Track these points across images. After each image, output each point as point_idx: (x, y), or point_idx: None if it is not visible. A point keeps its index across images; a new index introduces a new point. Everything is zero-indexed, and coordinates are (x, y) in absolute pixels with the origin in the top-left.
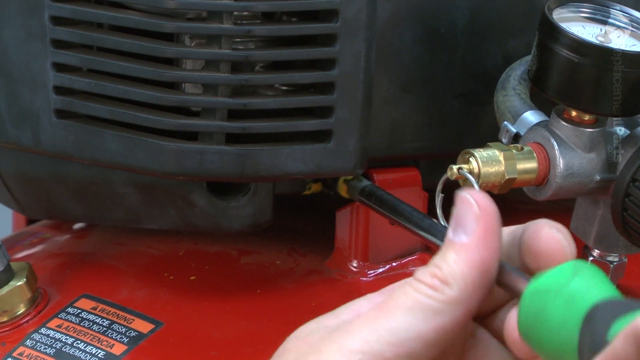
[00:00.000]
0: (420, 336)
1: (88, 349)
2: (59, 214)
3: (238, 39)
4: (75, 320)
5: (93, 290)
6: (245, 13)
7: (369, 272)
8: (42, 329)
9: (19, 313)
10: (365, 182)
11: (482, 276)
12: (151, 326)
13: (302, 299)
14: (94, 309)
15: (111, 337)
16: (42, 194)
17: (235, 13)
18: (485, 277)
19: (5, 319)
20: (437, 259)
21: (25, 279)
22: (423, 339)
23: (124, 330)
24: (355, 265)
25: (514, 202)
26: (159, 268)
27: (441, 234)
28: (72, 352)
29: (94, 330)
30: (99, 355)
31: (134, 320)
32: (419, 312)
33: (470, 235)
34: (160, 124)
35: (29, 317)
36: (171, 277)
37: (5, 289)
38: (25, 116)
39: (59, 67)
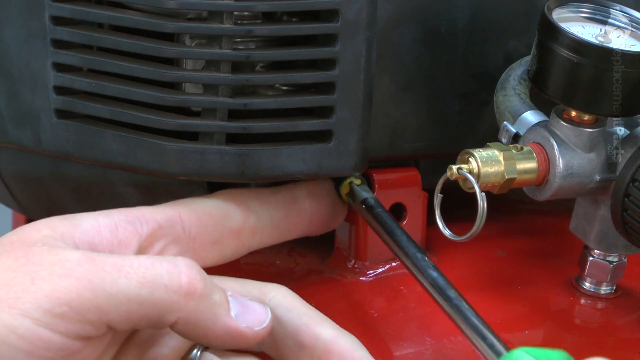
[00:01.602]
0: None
1: None
2: (59, 214)
3: (238, 39)
4: None
5: None
6: (246, 13)
7: (368, 272)
8: None
9: None
10: (368, 195)
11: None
12: None
13: (302, 299)
14: None
15: None
16: (42, 194)
17: (235, 13)
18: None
19: None
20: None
21: None
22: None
23: None
24: (354, 265)
25: (514, 202)
26: None
27: (429, 272)
28: None
29: None
30: None
31: None
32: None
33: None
34: (161, 124)
35: None
36: None
37: None
38: (25, 116)
39: (60, 67)
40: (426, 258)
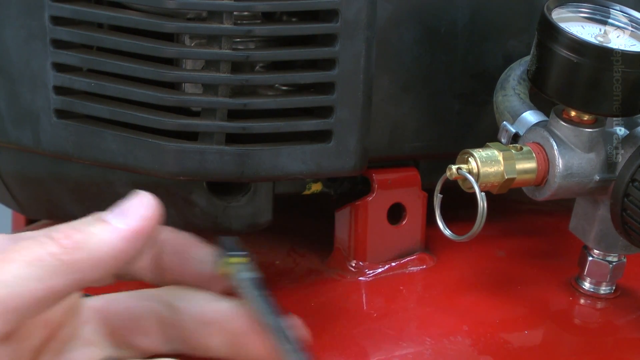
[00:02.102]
0: (30, 294)
1: None
2: (59, 214)
3: (238, 39)
4: None
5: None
6: (245, 13)
7: (368, 272)
8: None
9: None
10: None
11: (116, 259)
12: None
13: (302, 299)
14: None
15: None
16: (42, 194)
17: (235, 13)
18: (118, 261)
19: None
20: (80, 224)
21: None
22: (33, 297)
23: None
24: (354, 265)
25: (513, 202)
26: None
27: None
28: None
29: None
30: None
31: None
32: (37, 268)
33: (125, 224)
34: (161, 124)
35: None
36: None
37: None
38: (25, 116)
39: (59, 67)
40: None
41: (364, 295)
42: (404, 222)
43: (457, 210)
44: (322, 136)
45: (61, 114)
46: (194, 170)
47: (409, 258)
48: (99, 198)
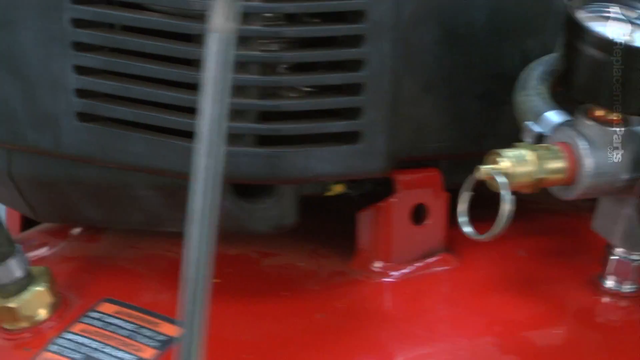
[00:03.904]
0: None
1: (116, 353)
2: (74, 217)
3: (265, 41)
4: (100, 325)
5: (113, 294)
6: (270, 15)
7: (392, 273)
8: (66, 334)
9: (39, 318)
10: None
11: None
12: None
13: (328, 301)
14: (118, 313)
15: (139, 341)
16: (56, 198)
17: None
18: None
19: (26, 324)
20: None
21: (46, 284)
22: None
23: (151, 334)
24: (378, 266)
25: (528, 202)
26: (179, 271)
27: None
28: (100, 357)
29: (120, 335)
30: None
31: (160, 323)
32: None
33: None
34: (191, 126)
35: (50, 322)
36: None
37: (26, 294)
38: (44, 119)
39: (81, 70)
40: None
41: (390, 296)
42: (426, 223)
43: (477, 210)
44: (350, 137)
45: (83, 116)
46: (225, 173)
47: (433, 259)
48: (117, 201)
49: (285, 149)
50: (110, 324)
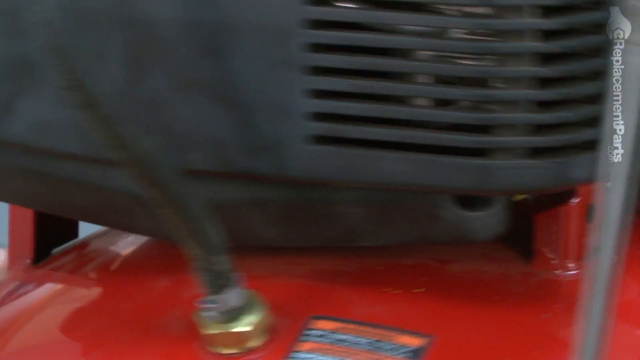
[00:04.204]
0: None
1: None
2: (245, 239)
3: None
4: (328, 341)
5: (319, 311)
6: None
7: (575, 271)
8: (297, 354)
9: (257, 341)
10: None
11: None
12: (422, 340)
13: (541, 301)
14: (341, 329)
15: (386, 354)
16: (230, 221)
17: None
18: None
19: (245, 347)
20: None
21: (261, 306)
22: None
23: (393, 346)
24: (560, 264)
25: None
26: (374, 282)
27: None
28: None
29: (359, 349)
30: None
31: (394, 336)
32: None
33: None
34: (461, 142)
35: (267, 345)
36: (396, 291)
37: (247, 317)
38: (263, 144)
39: (317, 94)
40: None
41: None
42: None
43: None
44: (592, 145)
45: (320, 140)
46: (504, 185)
47: None
48: (306, 220)
49: (566, 159)
50: (340, 340)
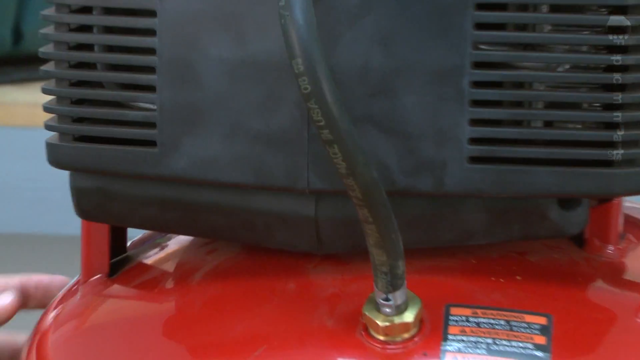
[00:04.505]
0: None
1: (513, 343)
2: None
3: None
4: (471, 325)
5: (450, 300)
6: None
7: (615, 253)
8: (450, 337)
9: (415, 330)
10: None
11: None
12: (544, 318)
13: (607, 279)
14: (476, 313)
15: (522, 332)
16: (353, 232)
17: None
18: None
19: (405, 335)
20: None
21: (417, 299)
22: None
23: (524, 324)
24: (610, 249)
25: None
26: (480, 274)
27: None
28: (504, 349)
29: (499, 329)
30: (530, 347)
31: (520, 316)
32: None
33: None
34: (594, 156)
35: (420, 333)
36: (503, 279)
37: (411, 309)
38: (423, 165)
39: (478, 122)
40: None
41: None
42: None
43: None
44: None
45: (477, 160)
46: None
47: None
48: (434, 226)
49: None
50: (480, 322)
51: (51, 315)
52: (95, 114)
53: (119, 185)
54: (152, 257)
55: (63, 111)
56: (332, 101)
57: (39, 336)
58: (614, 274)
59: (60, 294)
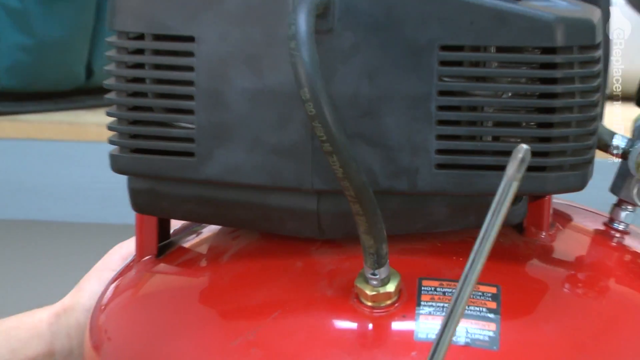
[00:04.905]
0: None
1: (470, 308)
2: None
3: None
4: (438, 293)
5: (421, 274)
6: None
7: (545, 237)
8: (423, 303)
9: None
10: None
11: None
12: (494, 288)
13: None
14: (442, 285)
15: (477, 298)
16: (347, 222)
17: None
18: None
19: (388, 302)
20: None
21: (396, 272)
22: None
23: (480, 293)
24: (543, 234)
25: None
26: (445, 255)
27: None
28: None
29: None
30: (484, 310)
31: (477, 287)
32: None
33: None
34: (534, 163)
35: (399, 300)
36: (463, 259)
37: (393, 280)
38: (401, 171)
39: (444, 137)
40: None
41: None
42: None
43: None
44: None
45: (443, 166)
46: (557, 187)
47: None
48: (406, 218)
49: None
50: (445, 292)
51: (112, 285)
52: (147, 132)
53: (166, 186)
54: (190, 242)
55: (123, 129)
56: (331, 121)
57: (103, 302)
58: (547, 254)
59: (119, 270)
